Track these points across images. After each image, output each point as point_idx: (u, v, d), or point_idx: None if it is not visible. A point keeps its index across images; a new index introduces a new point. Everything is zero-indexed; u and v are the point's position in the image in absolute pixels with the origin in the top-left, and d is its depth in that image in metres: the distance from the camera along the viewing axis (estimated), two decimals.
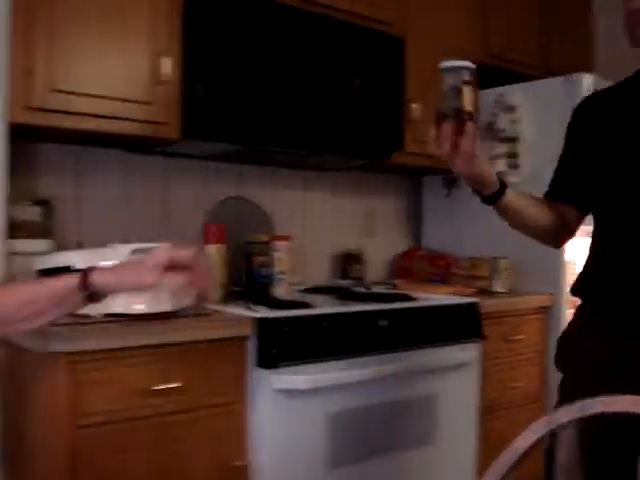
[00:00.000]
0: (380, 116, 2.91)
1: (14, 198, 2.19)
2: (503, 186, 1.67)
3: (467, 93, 1.50)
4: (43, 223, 2.35)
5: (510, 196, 1.69)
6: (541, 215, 1.81)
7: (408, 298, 2.71)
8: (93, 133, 2.33)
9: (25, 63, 2.12)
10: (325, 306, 2.48)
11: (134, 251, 2.00)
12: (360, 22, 2.87)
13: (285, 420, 2.21)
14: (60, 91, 2.18)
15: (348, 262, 3.35)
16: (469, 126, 1.51)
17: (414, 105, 3.09)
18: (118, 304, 1.99)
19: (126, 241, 2.56)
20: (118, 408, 1.94)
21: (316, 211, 3.32)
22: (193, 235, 2.78)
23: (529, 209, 1.78)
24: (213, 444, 2.11)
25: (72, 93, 2.20)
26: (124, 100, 2.31)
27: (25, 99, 2.13)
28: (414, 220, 3.77)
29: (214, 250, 2.45)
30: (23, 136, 2.22)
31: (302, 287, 2.95)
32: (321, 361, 2.26)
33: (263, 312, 2.21)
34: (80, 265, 1.93)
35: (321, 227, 3.33)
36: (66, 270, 1.92)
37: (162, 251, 1.32)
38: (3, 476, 2.10)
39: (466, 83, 1.50)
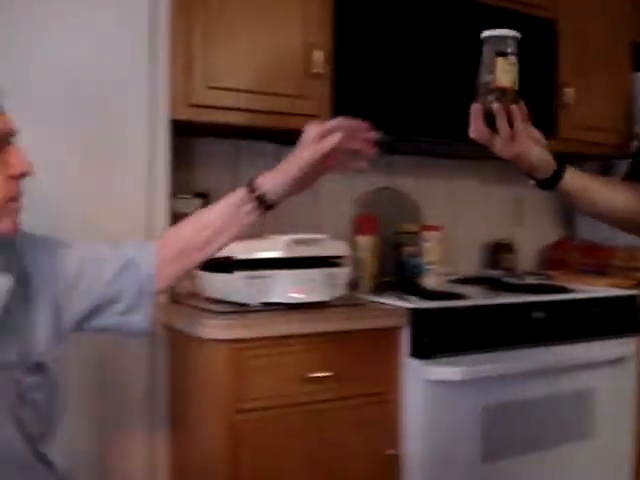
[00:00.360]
0: (533, 102, 2.81)
1: (175, 191, 2.30)
2: (562, 168, 1.48)
3: (502, 66, 1.33)
4: None
5: (572, 179, 1.48)
6: (617, 199, 1.54)
7: (564, 290, 2.63)
8: (248, 128, 2.40)
9: (184, 61, 2.22)
10: (477, 297, 2.45)
11: (292, 241, 2.04)
12: (510, 6, 2.79)
13: (437, 411, 2.20)
14: (216, 88, 2.26)
15: (498, 252, 3.28)
16: (495, 105, 1.35)
17: (568, 89, 2.98)
18: (276, 294, 2.04)
19: (277, 232, 2.64)
20: (276, 394, 2.00)
21: (465, 200, 3.27)
22: (343, 226, 2.82)
23: (599, 193, 1.53)
24: (366, 432, 2.13)
25: (227, 89, 2.28)
26: (277, 95, 2.36)
27: (185, 96, 2.22)
28: (565, 209, 3.64)
29: (366, 241, 2.47)
30: (183, 131, 2.31)
31: (452, 277, 2.92)
32: (474, 353, 2.23)
33: (416, 303, 2.21)
34: (240, 255, 2.01)
35: (470, 216, 3.28)
36: (227, 260, 2.01)
37: (311, 128, 1.42)
38: (168, 455, 2.21)
39: (501, 54, 1.34)
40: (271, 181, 1.43)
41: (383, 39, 2.45)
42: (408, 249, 2.68)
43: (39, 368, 1.27)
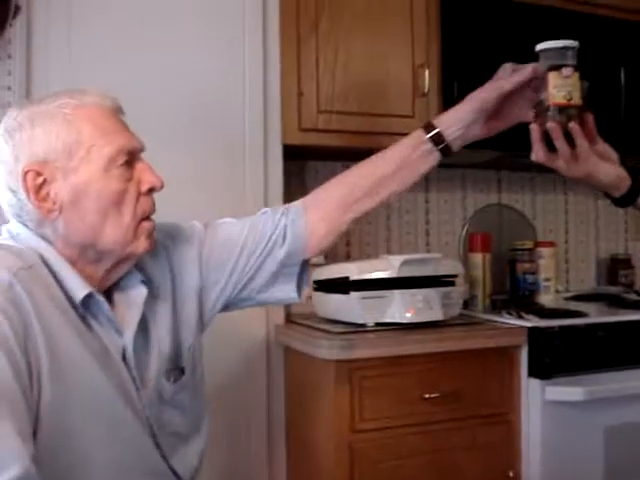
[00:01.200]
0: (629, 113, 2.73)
1: None
2: (638, 183, 1.36)
3: (554, 81, 1.19)
4: None
5: None
6: None
7: None
8: (358, 149, 2.42)
9: (296, 87, 2.27)
10: (597, 315, 2.37)
11: (405, 261, 2.05)
12: (617, 15, 2.71)
13: (558, 432, 2.14)
14: (327, 111, 2.30)
15: (616, 267, 3.17)
16: (550, 124, 1.21)
17: None
18: (391, 314, 2.05)
19: (389, 252, 2.65)
20: (391, 415, 2.00)
21: (579, 215, 3.18)
22: (454, 244, 2.81)
23: None
24: (484, 453, 2.10)
25: (338, 112, 2.31)
26: (387, 115, 2.38)
27: (296, 121, 2.27)
28: None
29: (479, 259, 2.44)
30: (294, 155, 2.36)
31: (568, 294, 2.85)
32: (596, 372, 2.16)
33: (535, 321, 2.16)
34: (355, 276, 2.03)
35: (585, 231, 3.19)
36: (342, 281, 2.03)
37: (505, 66, 1.36)
38: (286, 471, 2.25)
39: (554, 68, 1.20)
40: (446, 119, 1.36)
41: (489, 56, 2.43)
42: (523, 266, 2.63)
43: (182, 371, 1.30)
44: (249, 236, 1.36)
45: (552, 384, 2.10)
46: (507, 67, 1.35)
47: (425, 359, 2.02)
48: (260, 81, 2.23)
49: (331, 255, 2.52)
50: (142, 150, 1.21)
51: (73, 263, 1.15)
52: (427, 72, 2.39)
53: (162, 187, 1.20)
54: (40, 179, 1.12)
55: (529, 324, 2.13)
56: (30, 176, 1.12)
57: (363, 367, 1.96)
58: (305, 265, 1.41)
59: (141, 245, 1.18)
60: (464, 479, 2.07)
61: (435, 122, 1.37)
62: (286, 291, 1.40)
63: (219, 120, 2.19)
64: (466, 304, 2.36)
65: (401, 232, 2.77)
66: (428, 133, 1.36)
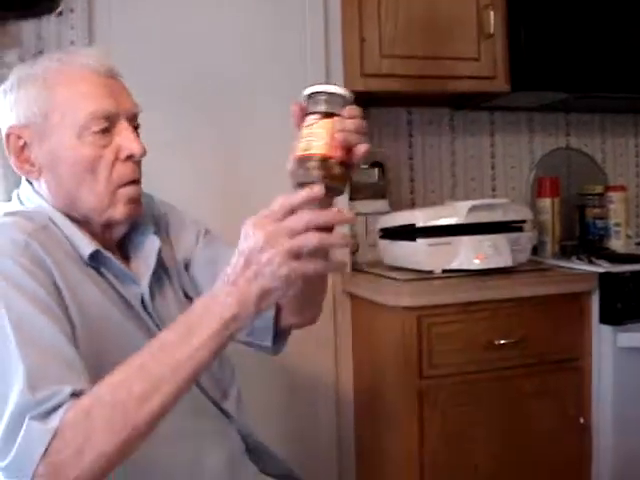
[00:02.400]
0: None
1: None
2: None
3: (300, 133, 0.97)
4: (379, 184, 2.46)
5: None
6: None
7: None
8: (422, 94, 2.38)
9: (358, 32, 2.22)
10: None
11: (472, 207, 2.02)
12: None
13: (629, 378, 2.11)
14: (390, 56, 2.25)
15: None
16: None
17: None
18: (459, 260, 2.02)
19: (454, 198, 2.61)
20: (460, 361, 1.99)
21: None
22: (521, 189, 2.75)
23: None
24: (554, 400, 2.08)
25: (401, 57, 2.26)
26: (451, 59, 2.32)
27: (359, 67, 2.23)
28: None
29: (548, 204, 2.39)
30: (356, 102, 2.32)
31: (639, 239, 2.77)
32: None
33: (606, 266, 2.11)
34: (422, 223, 2.01)
35: None
36: (409, 228, 2.01)
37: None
38: (354, 416, 2.27)
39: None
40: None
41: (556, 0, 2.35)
42: (593, 211, 2.57)
43: None
44: None
45: (624, 330, 2.06)
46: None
47: (494, 306, 2.00)
48: (321, 28, 2.20)
49: (395, 203, 2.50)
50: (129, 114, 1.16)
51: (73, 222, 1.15)
52: (492, 14, 2.32)
53: (143, 154, 1.16)
54: (21, 142, 1.14)
55: (600, 270, 2.09)
56: (12, 139, 1.15)
57: (432, 314, 1.95)
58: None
59: (118, 211, 1.15)
60: (534, 426, 2.06)
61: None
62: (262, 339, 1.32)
63: (281, 70, 2.17)
64: (535, 250, 2.32)
65: (466, 178, 2.72)
66: None
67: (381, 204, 2.41)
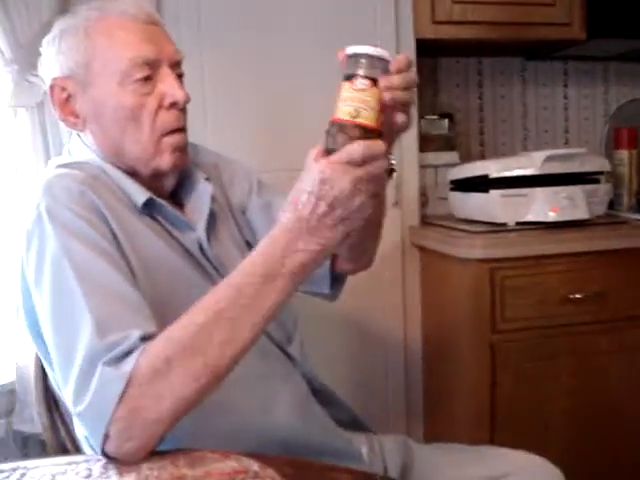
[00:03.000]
0: None
1: (421, 112, 2.28)
2: None
3: (344, 93, 0.89)
4: (448, 136, 2.41)
5: None
6: None
7: None
8: (494, 41, 2.30)
9: None
10: None
11: (548, 157, 1.95)
12: None
13: None
14: (461, 2, 2.18)
15: None
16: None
17: None
18: (534, 212, 1.97)
19: (525, 151, 2.54)
20: (534, 315, 1.95)
21: None
22: (595, 142, 2.66)
23: None
24: (629, 356, 2.03)
25: (473, 2, 2.19)
26: (525, 4, 2.23)
27: (430, 14, 2.17)
28: None
29: (625, 156, 2.31)
30: (426, 51, 2.26)
31: None
32: None
33: None
34: (495, 174, 1.96)
35: None
36: (482, 179, 1.96)
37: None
38: (422, 372, 2.26)
39: (347, 79, 0.89)
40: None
41: None
42: None
43: None
44: None
45: None
46: None
47: (569, 259, 1.94)
48: None
49: (465, 155, 2.45)
50: (171, 61, 1.14)
51: (124, 172, 1.14)
52: None
53: (187, 101, 1.14)
54: (65, 93, 1.13)
55: None
56: (56, 90, 1.14)
57: (505, 267, 1.91)
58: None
59: (164, 161, 1.14)
60: (609, 382, 2.01)
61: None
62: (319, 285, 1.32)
63: (348, 16, 2.11)
64: (610, 204, 2.24)
65: (538, 130, 2.64)
66: None
67: (450, 156, 2.35)
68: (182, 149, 1.16)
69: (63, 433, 1.27)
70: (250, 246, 1.27)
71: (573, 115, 2.68)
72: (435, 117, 2.39)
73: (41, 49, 1.17)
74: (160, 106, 1.12)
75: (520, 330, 1.95)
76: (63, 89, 1.13)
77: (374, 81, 0.89)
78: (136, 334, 0.89)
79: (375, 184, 0.88)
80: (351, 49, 0.91)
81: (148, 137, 1.12)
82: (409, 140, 2.15)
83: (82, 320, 0.91)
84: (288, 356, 1.22)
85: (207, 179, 1.24)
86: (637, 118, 2.65)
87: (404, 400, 2.24)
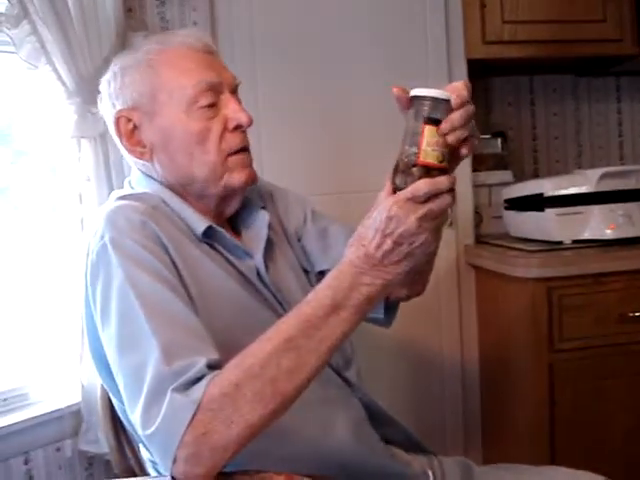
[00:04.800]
0: None
1: None
2: None
3: (430, 137, 0.91)
4: (501, 155, 2.41)
5: None
6: None
7: None
8: (545, 60, 2.30)
9: None
10: None
11: (603, 175, 1.94)
12: None
13: None
14: (512, 22, 2.19)
15: None
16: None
17: None
18: (590, 230, 1.95)
19: (579, 168, 2.53)
20: (593, 334, 1.93)
21: None
22: None
23: None
24: None
25: (523, 22, 2.20)
26: (575, 22, 2.23)
27: (481, 34, 2.18)
28: None
29: None
30: (477, 71, 2.28)
31: None
32: None
33: None
34: (551, 192, 1.95)
35: None
36: (537, 197, 1.96)
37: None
38: (480, 392, 2.24)
39: (432, 122, 0.91)
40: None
41: None
42: None
43: None
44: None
45: None
46: None
47: (628, 276, 1.92)
48: None
49: (518, 174, 2.44)
50: (231, 86, 1.19)
51: (187, 201, 1.17)
52: None
53: (250, 124, 1.17)
54: (130, 125, 1.17)
55: None
56: (122, 122, 1.17)
57: (562, 285, 1.89)
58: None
59: (236, 177, 1.17)
60: None
61: None
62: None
63: (400, 39, 2.14)
64: None
65: (592, 146, 2.62)
66: None
67: (504, 175, 2.35)
68: (250, 165, 1.20)
69: (129, 454, 1.31)
70: (307, 272, 1.31)
71: (627, 130, 2.65)
72: (488, 136, 2.40)
73: (100, 87, 1.21)
74: (225, 129, 1.16)
75: (579, 349, 1.93)
76: (129, 120, 1.17)
77: (439, 122, 0.92)
78: (202, 361, 0.92)
79: (439, 220, 0.91)
80: (418, 91, 0.93)
81: (215, 158, 1.15)
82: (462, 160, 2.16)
83: (148, 346, 0.94)
84: (346, 381, 1.24)
85: (263, 207, 1.28)
86: None
87: (462, 422, 2.24)
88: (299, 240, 1.35)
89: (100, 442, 1.78)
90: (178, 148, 1.15)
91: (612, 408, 1.94)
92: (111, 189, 1.77)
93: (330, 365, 1.21)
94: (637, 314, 1.92)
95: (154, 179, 1.20)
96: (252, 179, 1.20)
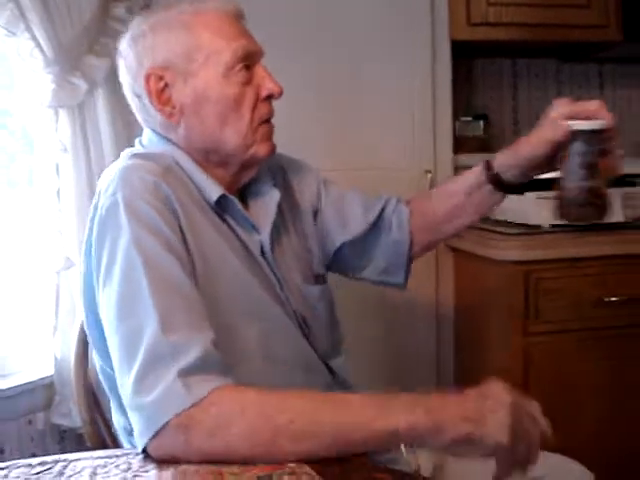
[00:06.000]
0: None
1: (455, 114, 2.28)
2: None
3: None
4: (483, 137, 2.40)
5: None
6: None
7: None
8: (528, 43, 2.30)
9: None
10: None
11: None
12: None
13: None
14: (496, 3, 2.18)
15: None
16: None
17: None
18: None
19: None
20: (568, 318, 1.94)
21: None
22: (631, 143, 2.64)
23: None
24: None
25: (508, 4, 2.19)
26: (559, 5, 2.23)
27: (465, 15, 2.18)
28: None
29: None
30: (461, 52, 2.27)
31: None
32: None
33: None
34: None
35: None
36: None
37: (560, 103, 1.20)
38: (454, 373, 2.26)
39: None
40: (504, 160, 1.32)
41: None
42: None
43: (318, 280, 1.31)
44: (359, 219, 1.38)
45: None
46: (561, 105, 1.22)
47: (605, 262, 1.93)
48: None
49: None
50: (261, 55, 1.19)
51: (202, 166, 1.16)
52: None
53: (281, 94, 1.18)
54: (162, 83, 1.14)
55: None
56: (152, 80, 1.14)
57: (539, 269, 1.90)
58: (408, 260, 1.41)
59: (262, 148, 1.18)
60: (638, 388, 1.99)
61: (496, 161, 1.33)
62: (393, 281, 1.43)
63: (384, 19, 2.12)
64: None
65: None
66: (488, 171, 1.33)
67: (486, 157, 2.33)
68: (272, 137, 1.21)
69: (102, 428, 1.30)
70: (311, 253, 1.32)
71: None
72: (470, 119, 2.39)
73: (121, 46, 1.19)
74: (257, 97, 1.16)
75: (554, 332, 1.94)
76: (160, 78, 1.14)
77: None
78: (200, 342, 0.92)
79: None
80: (579, 125, 1.06)
81: (248, 126, 1.15)
82: (444, 141, 2.17)
83: (148, 312, 0.94)
84: (329, 369, 1.24)
85: (274, 184, 1.27)
86: None
87: None
88: (315, 217, 1.35)
89: (73, 416, 1.77)
90: (211, 111, 1.14)
91: (586, 392, 1.95)
92: (89, 160, 1.75)
93: (317, 353, 1.22)
94: (612, 299, 1.94)
95: (169, 141, 1.18)
96: (273, 151, 1.21)
